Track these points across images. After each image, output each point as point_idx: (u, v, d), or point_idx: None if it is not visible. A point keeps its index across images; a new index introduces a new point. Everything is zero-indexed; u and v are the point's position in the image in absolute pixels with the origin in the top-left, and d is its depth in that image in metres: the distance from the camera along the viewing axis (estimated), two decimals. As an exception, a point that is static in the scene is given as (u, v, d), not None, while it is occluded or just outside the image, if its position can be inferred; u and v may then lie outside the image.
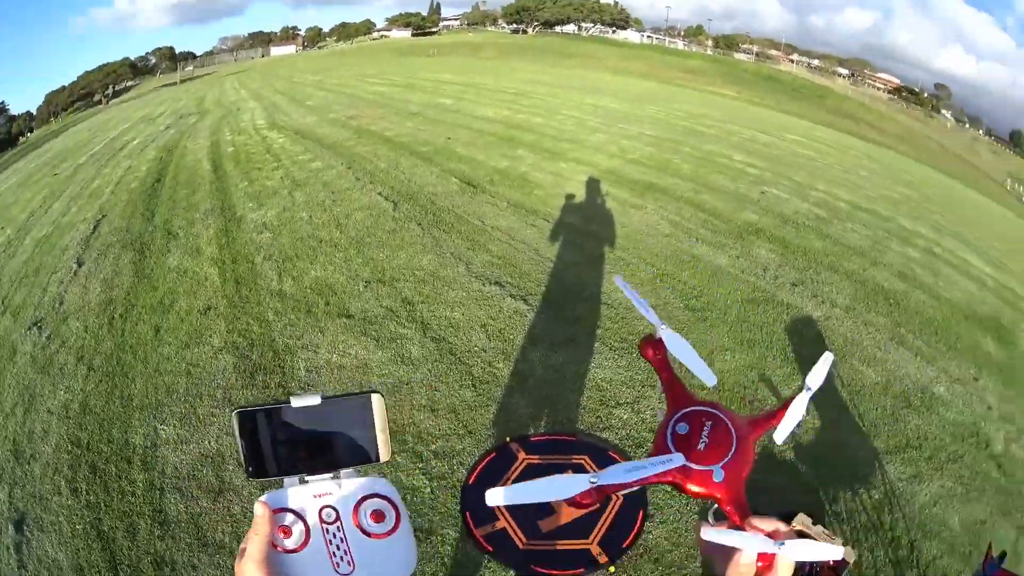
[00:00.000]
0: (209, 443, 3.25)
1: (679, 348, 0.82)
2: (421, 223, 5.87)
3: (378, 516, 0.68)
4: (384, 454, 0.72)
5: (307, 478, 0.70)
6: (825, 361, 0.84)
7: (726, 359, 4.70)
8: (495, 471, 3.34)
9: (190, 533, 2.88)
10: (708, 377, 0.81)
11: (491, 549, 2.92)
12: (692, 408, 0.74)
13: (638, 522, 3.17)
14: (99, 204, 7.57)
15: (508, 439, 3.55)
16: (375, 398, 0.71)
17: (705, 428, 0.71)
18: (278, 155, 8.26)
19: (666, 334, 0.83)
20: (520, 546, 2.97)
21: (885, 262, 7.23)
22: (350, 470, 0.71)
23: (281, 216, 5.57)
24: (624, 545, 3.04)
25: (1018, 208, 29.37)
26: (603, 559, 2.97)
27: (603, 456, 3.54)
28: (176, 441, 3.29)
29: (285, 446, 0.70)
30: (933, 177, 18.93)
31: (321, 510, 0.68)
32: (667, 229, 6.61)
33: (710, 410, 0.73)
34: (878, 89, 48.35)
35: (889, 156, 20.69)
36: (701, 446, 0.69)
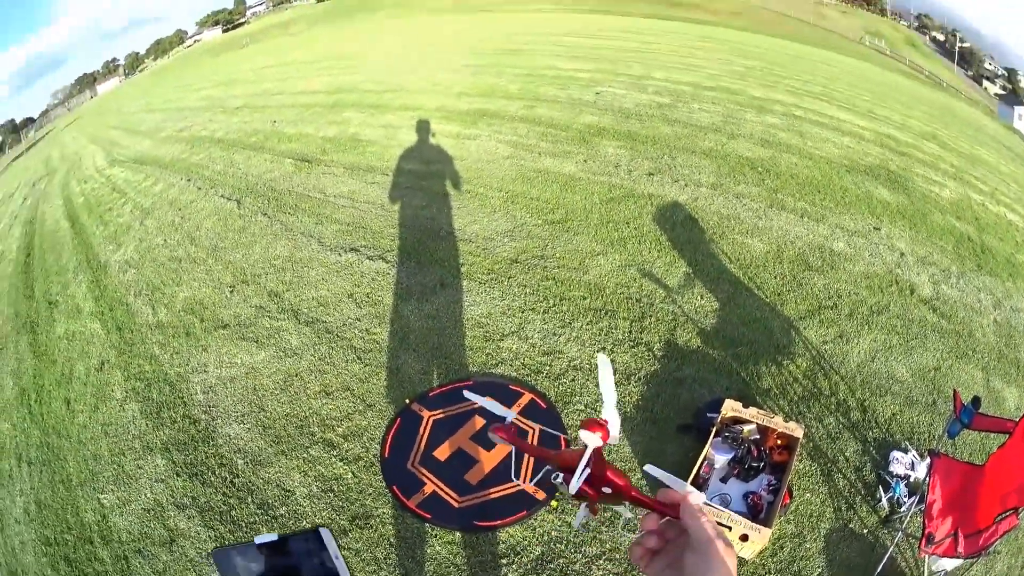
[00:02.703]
0: (145, 496, 3.24)
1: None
2: (266, 212, 5.70)
3: None
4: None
5: None
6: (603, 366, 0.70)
7: (600, 264, 4.57)
8: (405, 436, 3.30)
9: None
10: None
11: (429, 516, 2.92)
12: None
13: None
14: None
15: (408, 401, 3.47)
16: (324, 533, 0.77)
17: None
18: (123, 190, 7.92)
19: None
20: (456, 505, 2.96)
21: (743, 134, 6.92)
22: None
23: (139, 248, 5.39)
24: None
25: (879, 60, 29.14)
26: (541, 495, 2.97)
27: (505, 391, 3.47)
28: (118, 505, 3.26)
29: None
30: (778, 45, 18.28)
31: None
32: (506, 151, 6.47)
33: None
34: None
35: (726, 33, 19.57)
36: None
